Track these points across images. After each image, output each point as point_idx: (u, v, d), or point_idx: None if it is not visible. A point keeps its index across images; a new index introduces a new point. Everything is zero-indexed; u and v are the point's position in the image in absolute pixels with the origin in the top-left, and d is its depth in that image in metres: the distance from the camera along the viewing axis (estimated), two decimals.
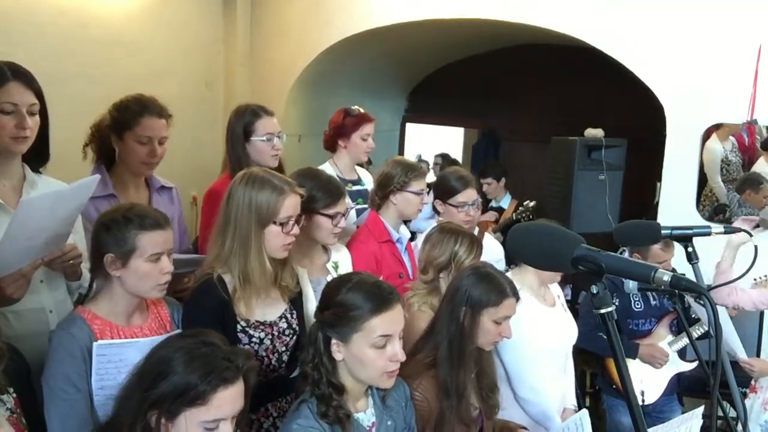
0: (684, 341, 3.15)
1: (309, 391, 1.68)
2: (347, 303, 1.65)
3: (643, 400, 3.16)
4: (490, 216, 4.79)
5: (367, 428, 1.74)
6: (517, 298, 2.10)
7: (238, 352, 1.48)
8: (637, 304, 3.20)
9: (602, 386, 3.44)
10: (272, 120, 2.83)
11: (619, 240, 2.00)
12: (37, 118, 1.93)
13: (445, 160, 6.55)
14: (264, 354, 1.97)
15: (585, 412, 2.20)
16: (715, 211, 4.21)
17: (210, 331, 1.53)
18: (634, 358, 3.12)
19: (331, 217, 2.28)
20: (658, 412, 3.10)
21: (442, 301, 2.12)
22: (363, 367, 1.66)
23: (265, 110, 2.84)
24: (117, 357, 1.72)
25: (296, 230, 2.01)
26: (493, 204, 5.05)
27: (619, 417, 3.21)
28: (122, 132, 2.39)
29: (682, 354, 3.20)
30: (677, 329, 3.20)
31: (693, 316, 3.14)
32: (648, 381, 3.16)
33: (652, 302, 3.21)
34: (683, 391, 3.39)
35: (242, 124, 2.77)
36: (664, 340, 3.20)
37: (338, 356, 1.66)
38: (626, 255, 3.13)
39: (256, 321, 1.97)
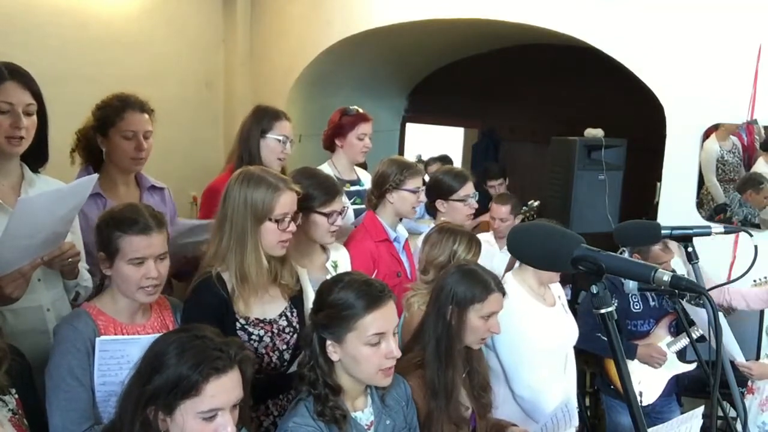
0: (683, 342, 3.15)
1: (306, 391, 1.68)
2: (339, 303, 1.66)
3: (641, 401, 3.16)
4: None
5: (366, 427, 1.74)
6: (503, 293, 2.10)
7: (230, 343, 1.48)
8: (636, 305, 3.20)
9: (601, 387, 3.43)
10: (289, 125, 2.90)
11: (619, 240, 2.00)
12: (34, 118, 1.93)
13: (432, 160, 6.54)
14: (264, 352, 1.98)
15: (571, 399, 2.20)
16: (716, 211, 4.19)
17: (204, 325, 1.53)
18: (633, 359, 3.12)
19: (327, 215, 2.28)
20: (656, 413, 3.10)
21: (429, 301, 2.12)
22: (359, 365, 1.66)
23: (285, 115, 2.91)
24: (119, 353, 1.73)
25: (293, 227, 2.01)
26: None
27: (618, 418, 3.21)
28: (106, 130, 2.41)
29: (680, 355, 3.20)
30: (676, 330, 3.20)
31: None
32: (646, 382, 3.16)
33: (651, 303, 3.21)
34: (683, 391, 3.39)
35: (262, 120, 2.82)
36: (662, 341, 3.20)
37: (334, 357, 1.67)
38: (626, 255, 3.13)
39: (256, 318, 1.97)
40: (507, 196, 4.15)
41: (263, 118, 2.83)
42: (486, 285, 2.04)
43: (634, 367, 3.14)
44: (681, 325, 3.07)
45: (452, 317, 2.01)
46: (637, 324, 3.21)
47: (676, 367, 3.19)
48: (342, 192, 2.38)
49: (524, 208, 4.23)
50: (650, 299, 3.21)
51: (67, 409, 1.70)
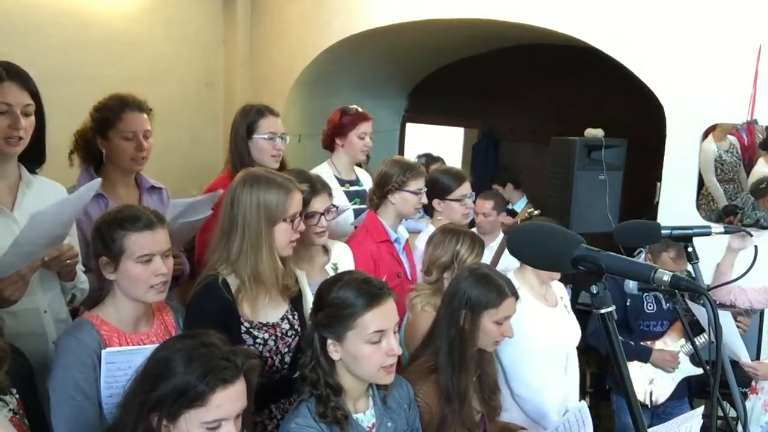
0: (699, 343, 3.12)
1: (308, 391, 1.68)
2: (339, 302, 1.65)
3: (651, 402, 3.16)
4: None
5: (367, 429, 1.74)
6: (517, 297, 2.09)
7: (237, 352, 1.47)
8: (649, 306, 3.20)
9: (612, 386, 3.43)
10: (276, 120, 2.83)
11: (619, 240, 2.00)
12: (32, 118, 1.93)
13: (429, 159, 6.54)
14: (268, 355, 1.97)
15: (584, 404, 2.19)
16: (725, 212, 4.18)
17: (210, 331, 1.52)
18: (647, 362, 3.13)
19: (306, 216, 2.23)
20: (667, 415, 3.09)
21: (441, 305, 2.11)
22: (360, 364, 1.66)
23: (270, 110, 2.84)
24: (126, 364, 1.70)
25: (303, 226, 2.02)
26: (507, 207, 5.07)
27: (627, 418, 3.20)
28: (106, 131, 2.40)
29: (692, 358, 3.19)
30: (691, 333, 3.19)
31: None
32: (657, 383, 3.16)
33: (665, 304, 3.20)
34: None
35: (246, 121, 2.78)
36: (677, 342, 3.20)
37: (335, 356, 1.67)
38: (642, 257, 3.14)
39: (259, 322, 1.97)
40: (491, 193, 4.16)
41: (246, 118, 2.78)
42: (500, 290, 2.04)
43: (646, 367, 3.15)
44: (695, 327, 3.07)
45: (465, 322, 2.00)
46: (650, 325, 3.21)
47: (687, 370, 3.19)
48: (322, 191, 2.33)
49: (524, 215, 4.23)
50: (664, 301, 3.20)
51: (74, 423, 1.67)
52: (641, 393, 3.16)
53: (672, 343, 3.20)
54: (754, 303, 2.94)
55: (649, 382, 3.16)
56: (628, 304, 3.18)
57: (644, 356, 3.13)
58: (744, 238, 2.56)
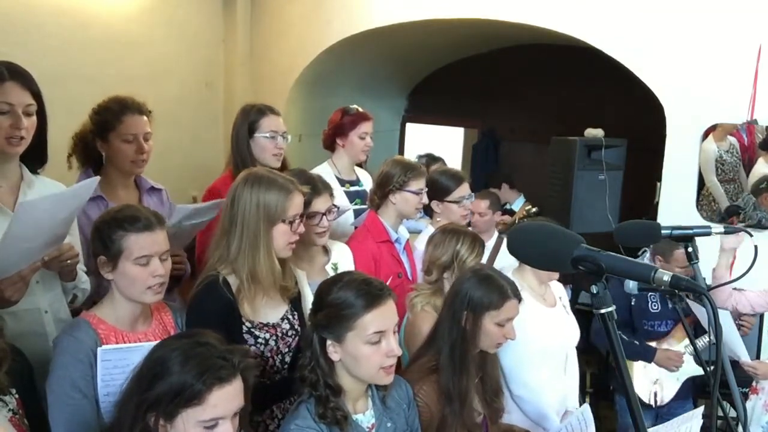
0: (701, 344, 3.13)
1: (307, 392, 1.68)
2: (338, 302, 1.65)
3: (656, 402, 3.16)
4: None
5: (367, 429, 1.73)
6: (519, 299, 2.09)
7: (234, 350, 1.47)
8: (654, 306, 3.20)
9: (616, 386, 3.43)
10: (278, 119, 2.84)
11: (619, 240, 2.00)
12: (33, 118, 1.93)
13: (430, 159, 6.51)
14: (269, 355, 1.97)
15: (586, 407, 2.19)
16: (728, 213, 4.18)
17: (206, 330, 1.52)
18: (651, 362, 3.12)
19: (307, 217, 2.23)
20: (671, 415, 3.08)
21: (444, 306, 2.11)
22: (359, 365, 1.65)
23: (271, 109, 2.85)
24: (122, 362, 1.70)
25: (302, 228, 2.01)
26: (506, 207, 5.07)
27: (630, 419, 3.20)
28: (106, 134, 2.40)
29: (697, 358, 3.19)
30: (695, 333, 3.19)
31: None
32: (662, 383, 3.16)
33: (670, 305, 3.19)
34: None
35: (248, 121, 2.78)
36: (681, 342, 3.20)
37: (335, 357, 1.66)
38: (647, 257, 3.14)
39: (260, 323, 1.97)
40: (487, 192, 4.16)
41: (247, 118, 2.79)
42: (503, 291, 2.03)
43: (651, 367, 3.15)
44: (699, 328, 3.07)
45: (467, 323, 2.00)
46: (655, 324, 3.21)
47: (692, 370, 3.18)
48: (324, 192, 2.33)
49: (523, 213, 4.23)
50: (669, 301, 3.20)
51: (71, 422, 1.67)
52: (646, 393, 3.16)
53: (676, 343, 3.20)
54: (756, 307, 2.94)
55: (654, 382, 3.16)
56: (632, 303, 3.18)
57: (648, 356, 3.13)
58: (737, 236, 2.56)
